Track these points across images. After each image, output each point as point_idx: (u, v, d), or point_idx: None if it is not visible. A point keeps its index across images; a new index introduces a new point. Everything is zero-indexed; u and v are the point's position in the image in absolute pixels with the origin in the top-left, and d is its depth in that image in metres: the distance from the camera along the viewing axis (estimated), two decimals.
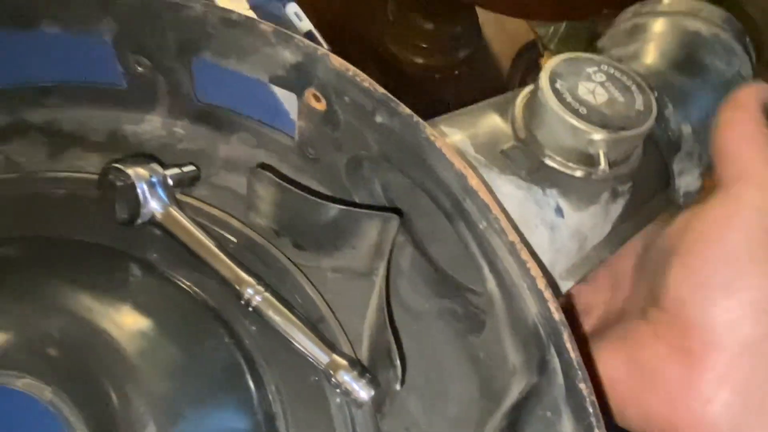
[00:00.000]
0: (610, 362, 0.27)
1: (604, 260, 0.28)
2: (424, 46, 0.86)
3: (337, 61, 0.25)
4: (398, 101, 0.24)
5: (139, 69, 0.29)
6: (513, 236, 0.22)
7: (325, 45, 0.40)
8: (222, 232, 0.28)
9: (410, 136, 0.24)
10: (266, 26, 0.25)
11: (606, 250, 0.28)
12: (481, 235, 0.23)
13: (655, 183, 0.30)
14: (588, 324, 0.33)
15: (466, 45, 0.89)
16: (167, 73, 0.29)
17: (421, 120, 0.24)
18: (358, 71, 0.25)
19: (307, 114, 0.28)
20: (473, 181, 0.23)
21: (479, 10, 0.91)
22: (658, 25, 0.37)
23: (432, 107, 0.31)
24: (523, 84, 1.10)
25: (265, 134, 0.30)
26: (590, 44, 1.04)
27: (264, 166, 0.27)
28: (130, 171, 0.25)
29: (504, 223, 0.22)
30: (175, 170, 0.27)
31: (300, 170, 0.30)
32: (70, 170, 0.29)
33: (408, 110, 0.24)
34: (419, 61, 0.85)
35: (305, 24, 0.37)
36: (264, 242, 0.27)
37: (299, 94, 0.27)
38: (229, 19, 0.26)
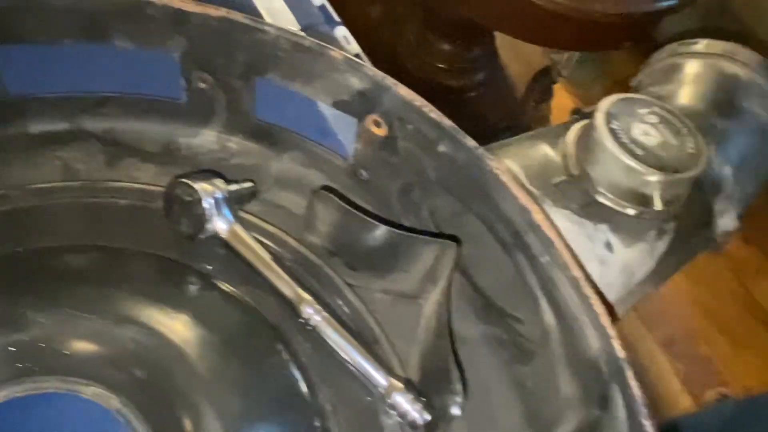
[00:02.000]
0: None
1: (646, 295, 0.29)
2: (442, 66, 0.87)
3: (404, 91, 0.26)
4: (464, 133, 0.25)
5: (201, 85, 0.29)
6: (577, 272, 0.22)
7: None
8: (276, 248, 0.28)
9: (474, 167, 0.25)
10: (336, 53, 0.26)
11: (650, 286, 0.29)
12: (542, 269, 0.24)
13: (696, 222, 0.30)
14: None
15: (483, 67, 0.90)
16: (229, 90, 0.29)
17: (485, 152, 0.25)
18: (426, 102, 0.26)
19: (366, 138, 0.28)
20: (538, 216, 0.23)
21: (497, 35, 0.92)
22: (695, 66, 0.38)
23: None
24: (537, 107, 1.11)
25: (316, 154, 0.30)
26: (603, 74, 1.05)
27: (327, 189, 0.27)
28: (197, 186, 0.26)
29: (568, 258, 0.23)
30: (236, 186, 0.28)
31: (349, 190, 0.30)
32: (128, 180, 0.29)
33: (473, 142, 0.25)
34: (437, 80, 0.86)
35: (353, 47, 0.38)
36: (318, 261, 0.28)
37: (360, 119, 0.28)
38: (300, 45, 0.26)
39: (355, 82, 0.26)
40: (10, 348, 0.22)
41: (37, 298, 0.23)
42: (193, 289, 0.26)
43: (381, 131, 0.27)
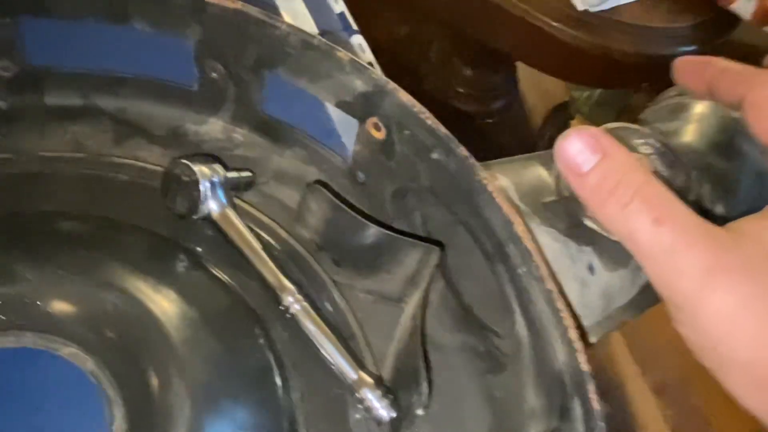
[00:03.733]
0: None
1: (624, 323, 0.29)
2: (462, 91, 0.88)
3: (404, 96, 0.26)
4: (458, 142, 0.26)
5: (213, 74, 0.30)
6: (551, 285, 0.23)
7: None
8: (268, 238, 0.29)
9: (464, 176, 0.25)
10: (343, 54, 0.27)
11: (629, 313, 0.29)
12: (519, 280, 0.24)
13: None
14: None
15: (502, 95, 0.91)
16: (239, 82, 0.30)
17: (476, 162, 0.25)
18: (424, 109, 0.26)
19: (365, 140, 0.29)
20: (519, 228, 0.24)
21: (519, 64, 0.93)
22: (701, 107, 0.39)
23: None
24: (551, 142, 1.11)
25: (318, 152, 0.31)
26: (622, 112, 1.06)
27: (320, 183, 0.28)
28: (195, 168, 0.27)
29: (543, 271, 0.23)
30: (234, 173, 0.28)
31: (346, 191, 0.31)
32: (132, 158, 0.30)
33: (465, 152, 0.25)
34: (455, 104, 0.87)
35: (367, 56, 0.39)
36: (306, 254, 0.29)
37: (361, 121, 0.28)
38: (309, 43, 0.27)
39: (359, 84, 0.27)
40: None
41: (27, 256, 0.24)
42: (180, 266, 0.26)
43: (380, 134, 0.28)
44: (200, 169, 0.27)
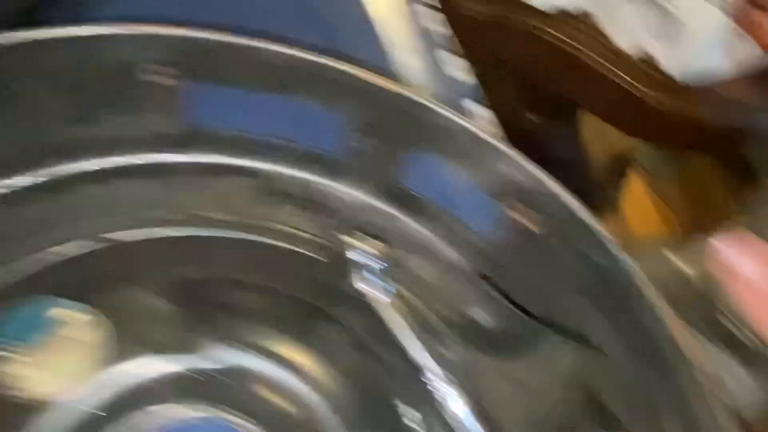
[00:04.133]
0: None
1: None
2: (523, 136, 0.89)
3: (567, 195, 0.27)
4: (614, 241, 0.27)
5: (361, 146, 0.32)
6: (714, 399, 0.23)
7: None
8: (407, 311, 0.30)
9: (620, 278, 0.26)
10: (500, 144, 0.28)
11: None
12: (673, 383, 0.25)
13: None
14: None
15: (563, 142, 0.92)
16: (385, 156, 0.31)
17: (633, 263, 0.26)
18: (581, 204, 0.27)
19: (509, 226, 0.30)
20: (677, 332, 0.25)
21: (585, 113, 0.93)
22: None
23: None
24: (610, 192, 1.11)
25: (455, 230, 0.32)
26: (682, 173, 1.05)
27: (484, 277, 0.29)
28: (357, 243, 0.28)
29: (703, 379, 0.24)
30: (389, 249, 0.29)
31: (480, 273, 0.32)
32: (281, 223, 0.31)
33: (622, 252, 0.26)
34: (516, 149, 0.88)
35: (452, 68, 0.40)
36: (446, 331, 0.29)
37: (510, 209, 0.29)
38: (467, 130, 0.28)
39: (512, 172, 0.28)
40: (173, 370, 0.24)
41: (202, 327, 0.25)
42: (330, 335, 0.28)
43: (527, 222, 0.29)
44: (361, 245, 0.28)
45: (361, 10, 0.43)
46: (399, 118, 0.30)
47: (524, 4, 0.68)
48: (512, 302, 0.29)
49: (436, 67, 0.40)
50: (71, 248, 0.28)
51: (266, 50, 0.28)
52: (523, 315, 0.28)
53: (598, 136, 0.98)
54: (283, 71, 0.29)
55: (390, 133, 0.30)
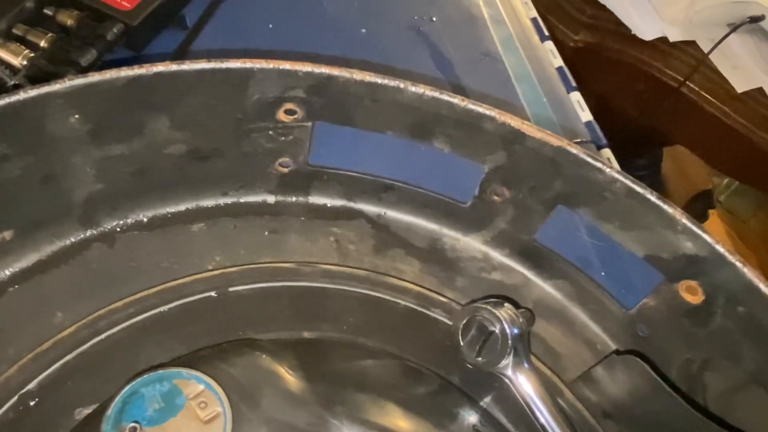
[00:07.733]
0: None
1: None
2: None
3: (751, 272, 0.23)
4: None
5: (494, 197, 0.28)
6: None
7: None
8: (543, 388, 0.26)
9: None
10: (676, 211, 0.24)
11: None
12: None
13: None
14: None
15: (646, 178, 0.88)
16: (521, 209, 0.28)
17: None
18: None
19: (666, 298, 0.26)
20: None
21: (666, 150, 0.89)
22: None
23: None
24: None
25: (587, 290, 0.28)
26: (761, 208, 1.00)
27: (636, 353, 0.25)
28: (505, 317, 0.24)
29: None
30: (523, 317, 0.26)
31: (614, 338, 0.28)
32: (394, 273, 0.28)
33: None
34: None
35: (586, 114, 0.37)
36: (592, 420, 0.26)
37: (673, 280, 0.26)
38: (635, 192, 0.25)
39: (687, 246, 0.25)
40: None
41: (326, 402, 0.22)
42: (471, 421, 0.24)
43: (694, 299, 0.25)
44: (509, 320, 0.24)
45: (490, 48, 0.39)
46: (553, 173, 0.26)
47: (625, 33, 0.64)
48: (678, 391, 0.25)
49: (562, 106, 0.37)
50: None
51: (407, 91, 0.25)
52: (692, 410, 0.24)
53: (678, 172, 0.94)
54: (422, 114, 0.26)
55: (535, 187, 0.27)
